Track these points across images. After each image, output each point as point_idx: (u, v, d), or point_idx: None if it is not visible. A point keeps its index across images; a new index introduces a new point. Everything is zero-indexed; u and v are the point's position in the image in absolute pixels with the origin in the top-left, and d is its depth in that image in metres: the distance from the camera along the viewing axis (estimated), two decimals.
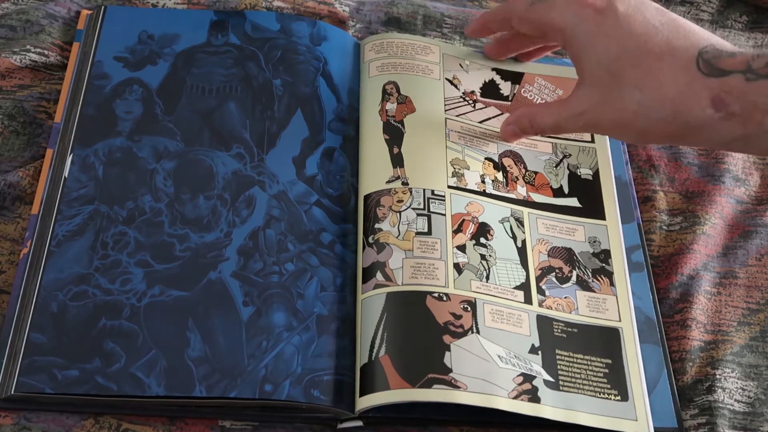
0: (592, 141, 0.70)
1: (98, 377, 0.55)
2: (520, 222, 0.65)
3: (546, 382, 0.57)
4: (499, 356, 0.57)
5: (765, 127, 0.53)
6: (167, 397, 0.55)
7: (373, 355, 0.57)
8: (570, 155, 0.69)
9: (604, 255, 0.64)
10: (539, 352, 0.59)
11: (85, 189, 0.62)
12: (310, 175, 0.65)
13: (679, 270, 0.66)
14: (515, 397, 0.56)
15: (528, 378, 0.57)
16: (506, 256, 0.63)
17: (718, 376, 0.61)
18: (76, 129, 0.65)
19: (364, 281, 0.60)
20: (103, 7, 0.72)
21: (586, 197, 0.67)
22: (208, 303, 0.58)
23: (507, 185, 0.66)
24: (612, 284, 0.63)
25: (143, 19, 0.71)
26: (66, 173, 0.63)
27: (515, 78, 0.73)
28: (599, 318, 0.61)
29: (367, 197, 0.64)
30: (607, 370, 0.59)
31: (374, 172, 0.65)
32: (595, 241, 0.65)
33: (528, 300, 0.61)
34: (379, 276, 0.60)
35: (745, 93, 0.53)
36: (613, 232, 0.65)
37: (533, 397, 0.56)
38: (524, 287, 0.61)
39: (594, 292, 0.62)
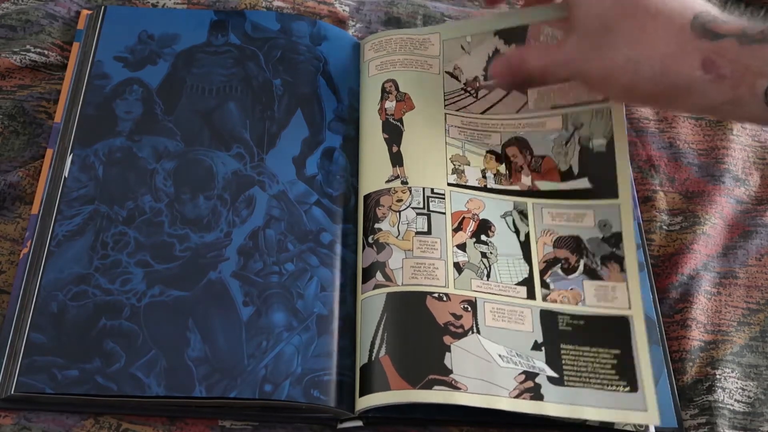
0: (606, 100, 0.66)
1: (98, 377, 0.55)
2: (523, 214, 0.64)
3: (549, 378, 0.57)
4: (500, 355, 0.57)
5: (755, 91, 0.52)
6: (167, 397, 0.55)
7: (373, 355, 0.57)
8: (582, 125, 0.66)
9: (615, 239, 0.62)
10: (542, 348, 0.58)
11: (85, 189, 0.62)
12: (310, 175, 0.65)
13: (679, 270, 0.66)
14: (517, 396, 0.56)
15: (530, 376, 0.57)
16: (508, 251, 0.62)
17: (718, 376, 0.61)
18: (76, 129, 0.65)
19: (364, 281, 0.60)
20: (103, 7, 0.72)
21: (598, 174, 0.64)
22: (208, 303, 0.58)
23: (510, 177, 0.66)
24: (622, 269, 0.61)
25: (143, 19, 0.71)
26: (66, 173, 0.63)
27: (520, 37, 0.69)
28: (608, 307, 0.60)
29: (366, 197, 0.64)
30: (615, 361, 0.58)
31: (374, 171, 0.65)
32: (605, 225, 0.63)
33: (531, 295, 0.61)
34: (378, 276, 0.60)
35: (737, 56, 0.52)
36: (625, 208, 0.62)
37: (536, 394, 0.56)
38: (527, 282, 0.61)
39: (602, 280, 0.61)
